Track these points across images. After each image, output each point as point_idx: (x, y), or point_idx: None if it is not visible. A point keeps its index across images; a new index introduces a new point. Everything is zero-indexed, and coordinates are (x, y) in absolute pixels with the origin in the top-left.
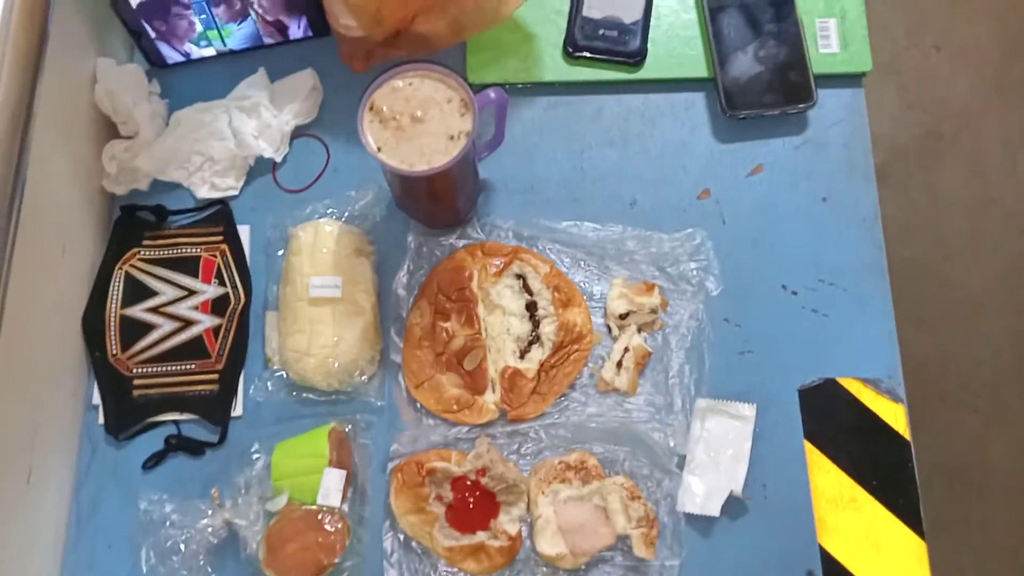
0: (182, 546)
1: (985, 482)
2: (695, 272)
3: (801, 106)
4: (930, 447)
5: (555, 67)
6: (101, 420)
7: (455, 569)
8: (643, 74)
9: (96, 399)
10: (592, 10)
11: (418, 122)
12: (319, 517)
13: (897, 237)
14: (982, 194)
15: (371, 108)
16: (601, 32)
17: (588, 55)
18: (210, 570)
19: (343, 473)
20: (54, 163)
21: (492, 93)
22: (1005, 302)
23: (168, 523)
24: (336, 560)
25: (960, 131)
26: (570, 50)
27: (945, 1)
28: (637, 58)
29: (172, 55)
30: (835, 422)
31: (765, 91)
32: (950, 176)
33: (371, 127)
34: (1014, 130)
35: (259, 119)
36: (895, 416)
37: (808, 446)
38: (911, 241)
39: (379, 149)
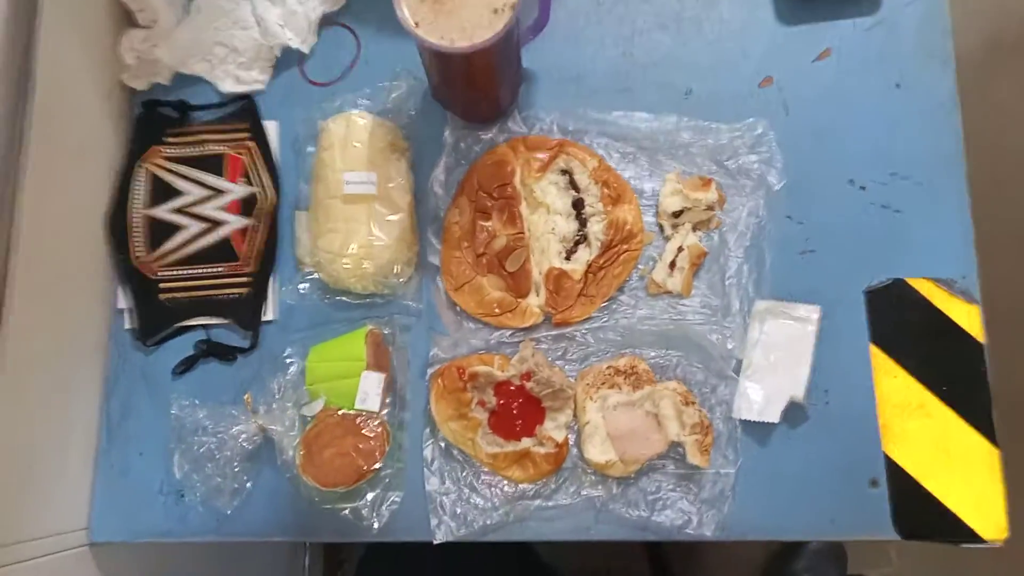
0: (216, 453)
1: None
2: (756, 165)
3: None
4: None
5: None
6: (128, 325)
7: (498, 477)
8: None
9: (122, 303)
10: None
11: None
12: (357, 422)
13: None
14: None
15: None
16: None
17: None
18: (245, 477)
19: (382, 376)
20: (67, 55)
21: None
22: None
23: (200, 430)
24: (376, 466)
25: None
26: None
27: None
28: None
29: None
30: (904, 325)
31: None
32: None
33: (407, 1)
34: None
35: (284, 6)
36: (969, 318)
37: (874, 350)
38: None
39: (416, 24)
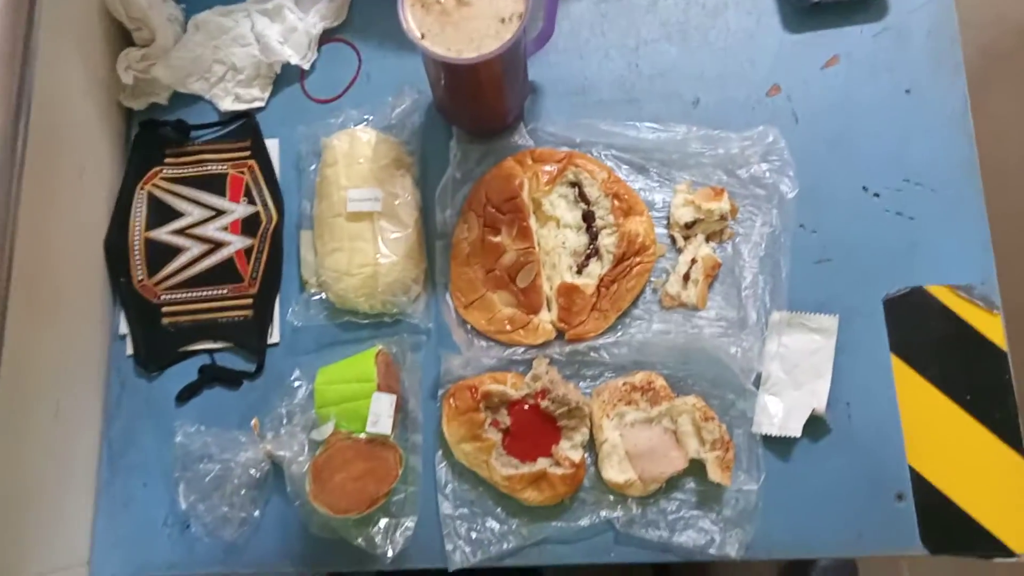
0: (222, 481)
1: None
2: (767, 174)
3: None
4: None
5: None
6: (130, 350)
7: (513, 499)
8: None
9: (123, 328)
10: None
11: (464, 5)
12: (368, 445)
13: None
14: None
15: None
16: None
17: None
18: (253, 506)
19: (393, 398)
20: (64, 75)
21: None
22: None
23: (206, 458)
24: (389, 490)
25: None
26: None
27: None
28: None
29: None
30: (924, 333)
31: None
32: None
33: (413, 12)
34: None
35: (283, 23)
36: (990, 325)
37: (895, 360)
38: None
39: (422, 36)
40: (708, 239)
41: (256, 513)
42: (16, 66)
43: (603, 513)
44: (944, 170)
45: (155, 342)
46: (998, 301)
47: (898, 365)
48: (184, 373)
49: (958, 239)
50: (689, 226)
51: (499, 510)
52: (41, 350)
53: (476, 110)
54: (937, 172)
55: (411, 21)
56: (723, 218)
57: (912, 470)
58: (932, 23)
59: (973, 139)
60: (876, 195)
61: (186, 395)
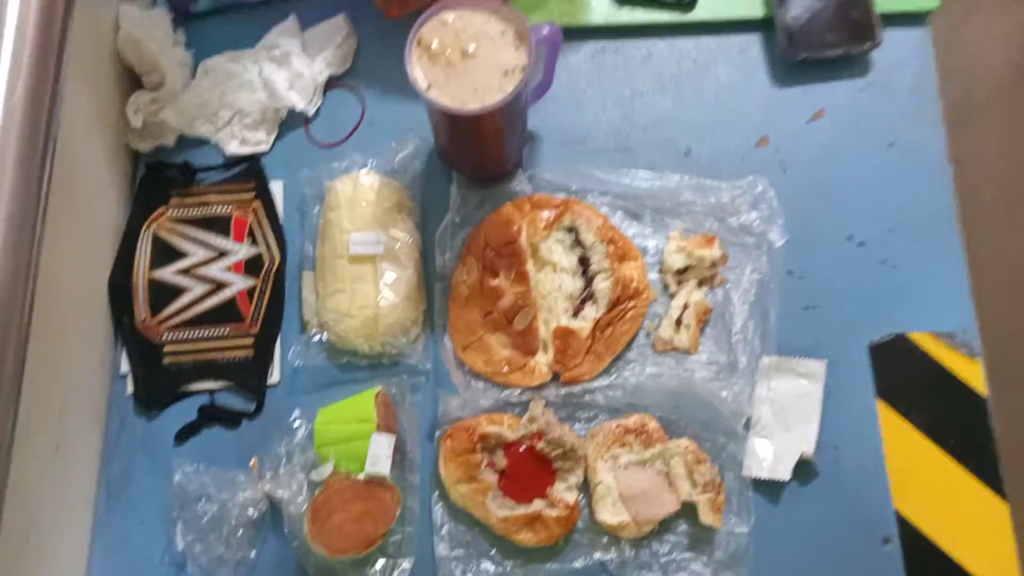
0: (220, 521)
1: None
2: (757, 223)
3: (865, 46)
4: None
5: (602, 10)
6: (130, 389)
7: (508, 541)
8: (695, 16)
9: (124, 367)
10: None
11: (469, 57)
12: (367, 486)
13: None
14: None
15: (419, 43)
16: None
17: None
18: (250, 546)
19: (392, 438)
20: (77, 116)
21: (545, 28)
22: None
23: (204, 497)
24: (386, 531)
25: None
26: None
27: None
28: None
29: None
30: (909, 379)
31: (826, 30)
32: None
33: (420, 63)
34: None
35: (290, 69)
36: (971, 372)
37: (881, 405)
38: None
39: (428, 87)
40: (700, 285)
41: (252, 554)
42: (45, 109)
43: (597, 555)
44: (925, 220)
45: (156, 382)
46: (978, 348)
47: (884, 410)
48: (183, 412)
49: (939, 287)
50: (681, 272)
51: (494, 552)
52: (43, 387)
53: (477, 157)
54: (919, 222)
55: (418, 72)
56: (714, 265)
57: (898, 514)
58: (914, 79)
59: (952, 191)
60: (861, 244)
61: (185, 435)
